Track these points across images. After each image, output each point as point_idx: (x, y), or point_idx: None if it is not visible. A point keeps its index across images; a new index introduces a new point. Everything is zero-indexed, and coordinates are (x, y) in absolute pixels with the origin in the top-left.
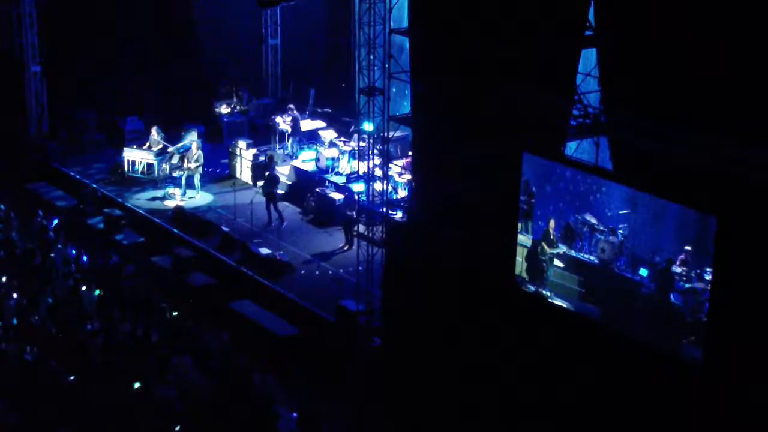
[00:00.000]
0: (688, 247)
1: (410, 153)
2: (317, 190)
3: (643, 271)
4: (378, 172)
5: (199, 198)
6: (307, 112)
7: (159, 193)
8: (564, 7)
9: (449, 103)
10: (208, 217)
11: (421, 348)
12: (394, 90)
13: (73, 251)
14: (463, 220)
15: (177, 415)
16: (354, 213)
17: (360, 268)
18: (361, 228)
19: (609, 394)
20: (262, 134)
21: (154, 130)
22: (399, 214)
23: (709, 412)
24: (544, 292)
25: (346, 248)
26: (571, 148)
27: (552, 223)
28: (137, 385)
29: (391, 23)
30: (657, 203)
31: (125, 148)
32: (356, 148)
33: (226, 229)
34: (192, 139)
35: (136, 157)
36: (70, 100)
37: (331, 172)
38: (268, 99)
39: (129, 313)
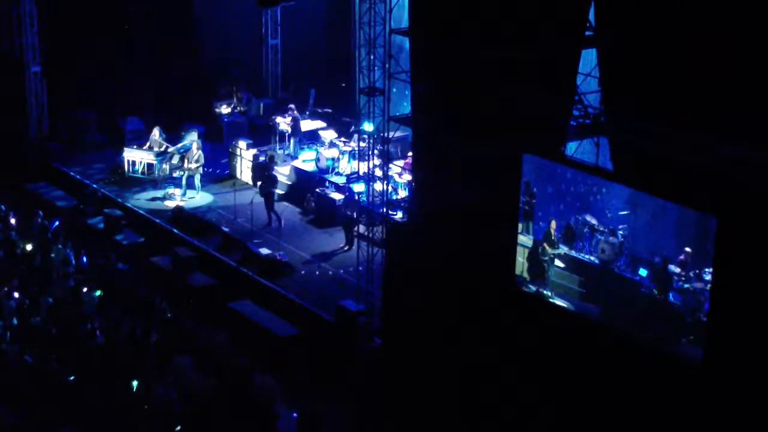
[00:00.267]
0: (687, 248)
1: (410, 153)
2: (317, 190)
3: (643, 272)
4: (378, 173)
5: (199, 198)
6: (308, 113)
7: (159, 193)
8: (564, 7)
9: (449, 104)
10: (209, 218)
11: (421, 348)
12: (394, 90)
13: (73, 251)
14: (464, 221)
15: (177, 415)
16: (354, 213)
17: (360, 268)
18: (362, 228)
19: (609, 393)
20: (263, 134)
21: (156, 131)
22: (399, 215)
23: (709, 412)
24: (545, 292)
25: (346, 248)
26: (571, 148)
27: (553, 224)
28: (137, 385)
29: (392, 23)
30: (656, 204)
31: (125, 149)
32: (356, 149)
33: (226, 229)
34: (192, 139)
35: (137, 157)
36: (71, 101)
37: (332, 172)
38: (269, 99)
39: (129, 313)
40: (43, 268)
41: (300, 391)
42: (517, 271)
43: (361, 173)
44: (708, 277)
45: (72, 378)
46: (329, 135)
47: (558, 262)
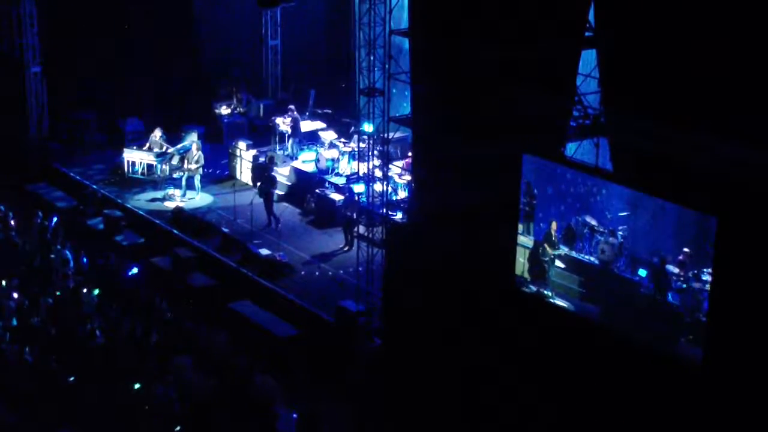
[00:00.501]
0: (686, 249)
1: (410, 154)
2: (317, 191)
3: (642, 272)
4: (378, 173)
5: (199, 199)
6: (307, 113)
7: (159, 194)
8: (564, 7)
9: (449, 104)
10: (208, 218)
11: (422, 348)
12: (394, 91)
13: (73, 252)
14: (464, 221)
15: (177, 416)
16: (354, 214)
17: (360, 268)
18: (361, 229)
19: (609, 393)
20: (262, 135)
21: (157, 131)
22: (399, 215)
23: (708, 411)
24: (545, 292)
25: (346, 249)
26: (571, 149)
27: (554, 225)
28: (137, 385)
29: (391, 24)
30: (656, 206)
31: (125, 149)
32: (356, 149)
33: (226, 229)
34: (192, 140)
35: (136, 157)
36: (71, 101)
37: (331, 173)
38: (268, 100)
39: (129, 313)
40: (42, 268)
41: (300, 391)
42: (518, 272)
43: (360, 174)
44: (706, 278)
45: (72, 378)
46: (329, 136)
47: (558, 263)
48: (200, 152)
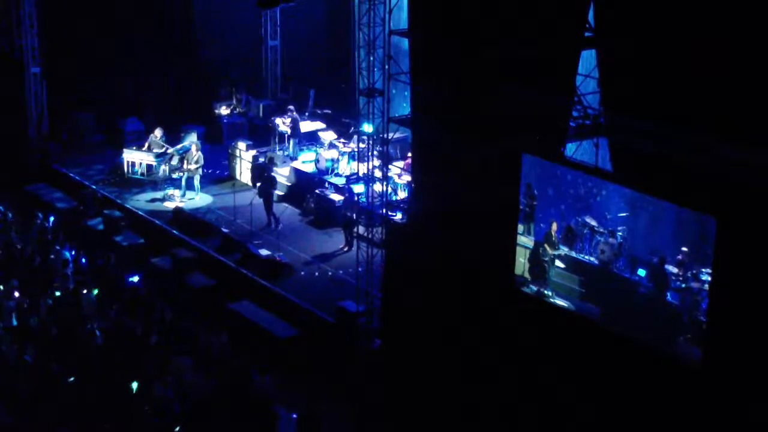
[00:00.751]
0: (684, 249)
1: (410, 154)
2: (317, 191)
3: (641, 272)
4: (378, 174)
5: (199, 199)
6: (307, 114)
7: (159, 194)
8: (564, 8)
9: (449, 105)
10: (208, 219)
11: (421, 348)
12: (393, 91)
13: (73, 252)
14: (463, 221)
15: (176, 416)
16: (354, 214)
17: (360, 269)
18: (361, 229)
19: (608, 391)
20: (262, 135)
21: (157, 131)
22: (399, 216)
23: (707, 410)
24: (545, 291)
25: (345, 249)
26: (570, 149)
27: (554, 226)
28: (137, 385)
29: (391, 24)
30: (655, 207)
31: (125, 149)
32: (356, 150)
33: (225, 230)
34: (192, 140)
35: (136, 158)
36: (70, 101)
37: (331, 173)
38: (268, 100)
39: (129, 313)
40: (42, 269)
41: (300, 391)
42: (519, 272)
43: (360, 174)
44: (705, 277)
45: (72, 378)
46: (329, 136)
47: (558, 263)
48: (200, 152)
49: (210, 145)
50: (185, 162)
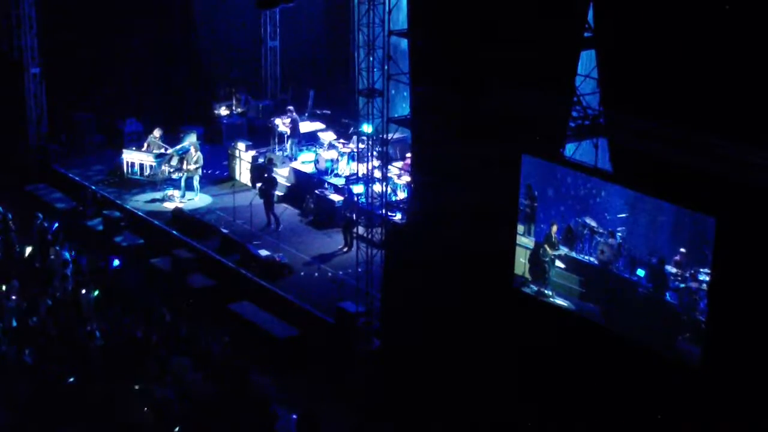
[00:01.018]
0: (682, 249)
1: (409, 155)
2: (316, 191)
3: (641, 272)
4: (377, 174)
5: (198, 200)
6: (306, 114)
7: (158, 194)
8: (564, 8)
9: (448, 105)
10: (208, 219)
11: (421, 349)
12: (393, 92)
13: (73, 253)
14: (463, 222)
15: (176, 416)
16: (353, 215)
17: (359, 269)
18: (361, 230)
19: (608, 390)
20: (262, 136)
21: (156, 132)
22: (398, 216)
23: (706, 408)
24: (546, 291)
25: (345, 250)
26: (570, 149)
27: (554, 226)
28: (136, 386)
29: (390, 25)
30: (654, 207)
31: (124, 150)
32: (355, 150)
33: (225, 230)
34: (191, 140)
35: (136, 158)
36: (70, 102)
37: (331, 173)
38: (268, 101)
39: (128, 314)
40: (42, 269)
41: (300, 391)
42: (519, 272)
43: (360, 175)
44: (703, 277)
45: (72, 379)
46: (328, 136)
47: (559, 263)
48: (199, 153)
49: (209, 146)
50: (185, 162)
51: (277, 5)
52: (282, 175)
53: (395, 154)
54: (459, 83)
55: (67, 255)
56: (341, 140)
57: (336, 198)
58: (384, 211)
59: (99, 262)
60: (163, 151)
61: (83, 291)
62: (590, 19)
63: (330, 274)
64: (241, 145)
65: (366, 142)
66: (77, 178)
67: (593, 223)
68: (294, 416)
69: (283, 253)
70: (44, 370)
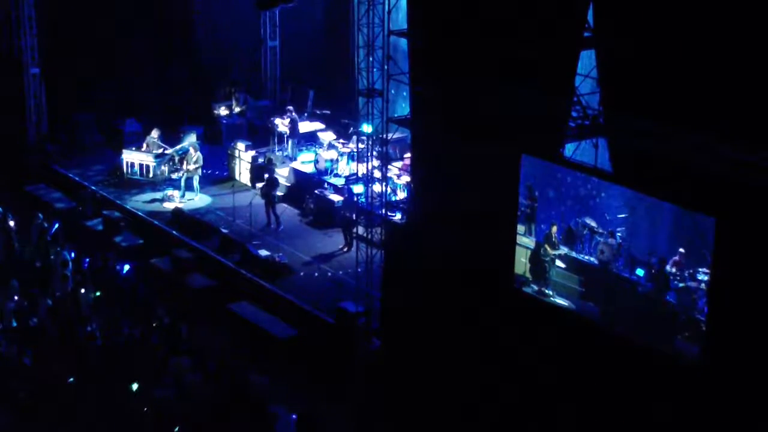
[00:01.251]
0: (681, 249)
1: (409, 154)
2: (316, 191)
3: (640, 271)
4: (377, 174)
5: (198, 200)
6: (306, 114)
7: (158, 194)
8: (563, 8)
9: (448, 105)
10: (207, 219)
11: (421, 349)
12: (392, 91)
13: (72, 253)
14: (463, 222)
15: (176, 416)
16: (353, 215)
17: (359, 269)
18: (360, 229)
19: (608, 389)
20: (261, 136)
21: (154, 132)
22: (398, 216)
23: (705, 407)
24: (546, 291)
25: (345, 250)
26: (570, 149)
27: (554, 227)
28: (136, 386)
29: (390, 25)
30: (653, 208)
31: (124, 150)
32: (355, 150)
33: (225, 230)
34: (191, 141)
35: (135, 158)
36: (69, 102)
37: (330, 173)
38: (267, 101)
39: (128, 314)
40: (42, 269)
41: (299, 391)
42: (520, 272)
43: (359, 175)
44: (702, 277)
45: (71, 379)
46: (328, 136)
47: (559, 263)
48: (199, 153)
49: (209, 146)
50: (184, 162)
51: (277, 5)
52: (282, 175)
53: (395, 154)
54: (458, 83)
55: (67, 255)
56: (341, 140)
57: (336, 198)
58: (384, 211)
59: (98, 261)
60: (162, 151)
61: (83, 291)
62: (590, 19)
63: (329, 274)
64: (240, 145)
65: (366, 142)
66: (77, 178)
67: (593, 223)
68: (294, 416)
69: (283, 253)
70: (44, 370)
